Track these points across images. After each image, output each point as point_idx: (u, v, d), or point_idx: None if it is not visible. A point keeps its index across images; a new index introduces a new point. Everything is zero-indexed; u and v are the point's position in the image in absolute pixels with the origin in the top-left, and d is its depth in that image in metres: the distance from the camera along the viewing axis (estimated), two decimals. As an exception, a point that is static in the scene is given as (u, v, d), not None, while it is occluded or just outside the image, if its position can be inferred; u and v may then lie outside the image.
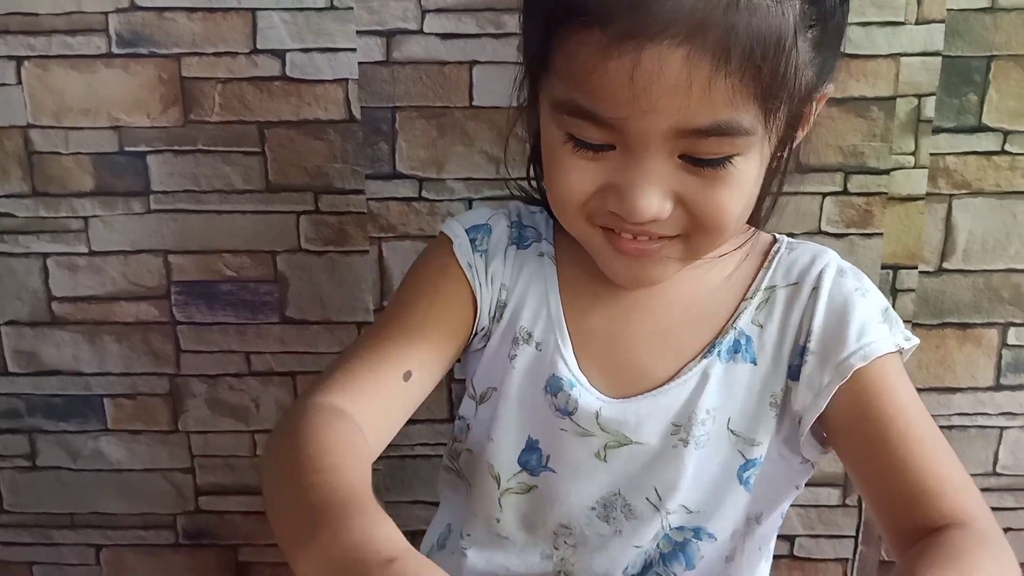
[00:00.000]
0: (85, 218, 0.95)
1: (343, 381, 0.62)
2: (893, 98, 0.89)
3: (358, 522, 0.47)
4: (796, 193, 0.91)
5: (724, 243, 0.62)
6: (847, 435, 0.63)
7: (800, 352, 0.65)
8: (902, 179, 0.91)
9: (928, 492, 0.58)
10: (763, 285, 0.67)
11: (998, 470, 1.01)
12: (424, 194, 0.94)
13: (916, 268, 0.94)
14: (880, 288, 0.94)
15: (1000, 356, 0.97)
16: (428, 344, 0.65)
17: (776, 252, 0.69)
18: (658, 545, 0.70)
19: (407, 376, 0.64)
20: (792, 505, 1.02)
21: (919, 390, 0.96)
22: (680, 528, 0.69)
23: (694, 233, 0.58)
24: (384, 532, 0.47)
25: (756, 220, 0.67)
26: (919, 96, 0.89)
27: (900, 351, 0.65)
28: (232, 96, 0.91)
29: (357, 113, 0.91)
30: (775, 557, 0.79)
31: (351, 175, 0.93)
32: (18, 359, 1.00)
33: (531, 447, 0.70)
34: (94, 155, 0.93)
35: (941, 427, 0.98)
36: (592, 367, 0.67)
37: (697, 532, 0.70)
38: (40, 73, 0.91)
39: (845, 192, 0.92)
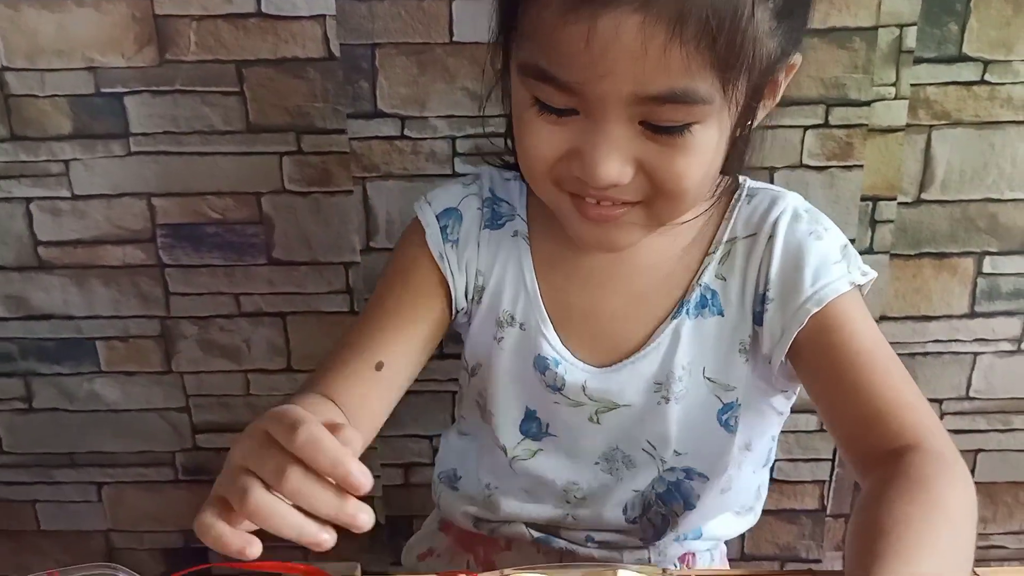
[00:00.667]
0: (66, 161, 0.94)
1: (320, 378, 0.65)
2: (875, 28, 0.88)
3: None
4: (778, 127, 0.92)
5: (687, 210, 0.62)
6: (808, 369, 0.66)
7: (761, 300, 0.67)
8: (883, 111, 0.91)
9: (881, 412, 0.60)
10: (724, 238, 0.68)
11: (971, 394, 1.05)
12: (407, 133, 0.93)
13: (895, 199, 0.96)
14: (859, 220, 0.96)
15: (975, 284, 0.99)
16: (399, 334, 0.68)
17: (736, 202, 0.69)
18: (654, 487, 0.74)
19: (379, 366, 0.66)
20: (771, 431, 1.06)
21: (895, 319, 1.00)
22: (672, 469, 0.73)
23: (655, 199, 0.59)
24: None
25: (729, 171, 0.67)
26: (900, 26, 0.88)
27: (858, 287, 0.66)
28: (207, 34, 0.90)
29: (336, 51, 0.90)
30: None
31: (332, 114, 0.93)
32: (8, 303, 1.01)
33: (530, 417, 0.73)
34: (70, 97, 0.92)
35: (916, 354, 1.02)
36: (574, 340, 0.70)
37: (688, 472, 0.73)
38: (11, 14, 0.89)
39: (826, 125, 0.92)
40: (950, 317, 1.01)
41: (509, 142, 0.67)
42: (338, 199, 0.96)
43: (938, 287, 0.99)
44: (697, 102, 0.53)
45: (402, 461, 1.08)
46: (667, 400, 0.69)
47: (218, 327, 1.01)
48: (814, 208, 0.69)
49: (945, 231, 0.97)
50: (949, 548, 0.52)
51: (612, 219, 0.60)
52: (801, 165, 0.94)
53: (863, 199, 0.95)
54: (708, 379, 0.69)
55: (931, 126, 0.92)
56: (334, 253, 0.98)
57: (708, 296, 0.68)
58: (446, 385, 1.01)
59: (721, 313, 0.68)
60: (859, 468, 0.61)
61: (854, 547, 0.52)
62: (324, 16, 0.89)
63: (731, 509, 0.77)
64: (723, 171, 0.62)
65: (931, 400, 1.04)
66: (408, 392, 1.03)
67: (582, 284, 0.69)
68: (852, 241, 0.96)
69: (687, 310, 0.68)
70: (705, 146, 0.56)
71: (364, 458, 0.46)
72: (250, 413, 1.05)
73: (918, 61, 0.90)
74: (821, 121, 0.92)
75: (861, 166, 0.94)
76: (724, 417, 0.70)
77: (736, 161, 0.63)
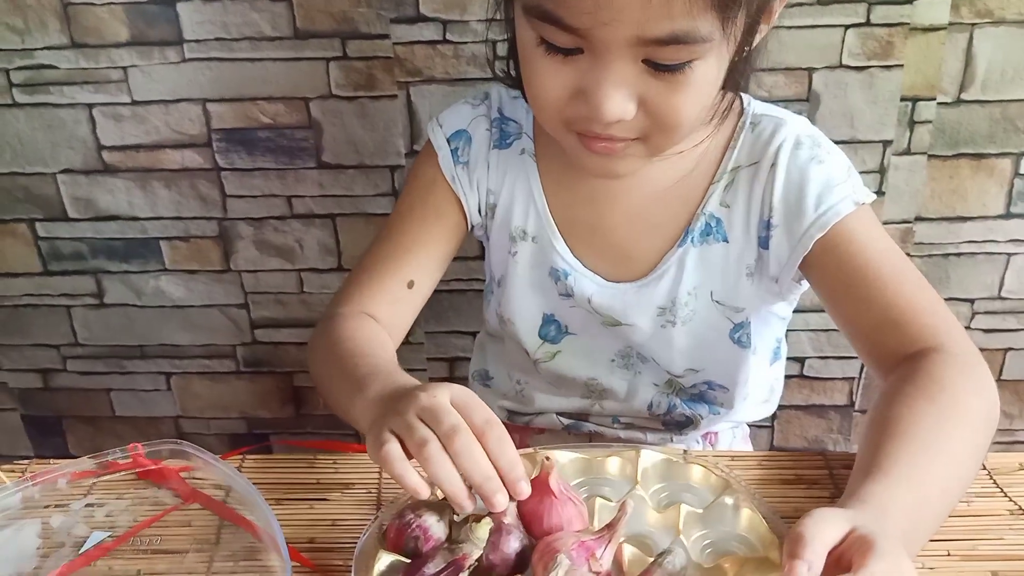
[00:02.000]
0: (124, 68, 0.99)
1: (358, 294, 0.74)
2: (921, -76, 0.87)
3: (395, 377, 0.60)
4: (817, 26, 0.92)
5: (682, 139, 0.64)
6: (820, 284, 0.68)
7: (766, 225, 0.69)
8: (925, 9, 0.91)
9: (896, 319, 0.62)
10: (728, 167, 0.70)
11: (1003, 294, 1.06)
12: (448, 37, 0.95)
13: (934, 99, 0.96)
14: (898, 121, 0.96)
15: (1012, 185, 0.99)
16: (424, 253, 0.75)
17: (741, 130, 0.70)
18: (678, 392, 0.78)
19: (411, 285, 0.74)
20: (803, 330, 1.09)
21: (931, 219, 1.01)
22: (694, 384, 0.77)
23: (653, 134, 0.61)
24: (415, 380, 0.59)
25: (730, 88, 0.68)
26: (947, -79, 0.87)
27: (863, 204, 0.67)
28: (255, -59, 0.92)
29: (380, -45, 0.92)
30: (786, 377, 0.86)
31: (376, 19, 0.95)
32: (77, 205, 1.07)
33: (548, 321, 0.77)
34: (126, 5, 0.95)
35: (950, 255, 1.04)
36: (582, 251, 0.73)
37: (710, 384, 0.77)
38: (67, -76, 0.92)
39: (868, 23, 0.92)
40: (985, 218, 1.01)
41: (513, 70, 0.70)
42: (383, 103, 0.99)
43: (975, 188, 1.00)
44: (698, 41, 0.55)
45: (447, 356, 1.15)
46: (673, 324, 0.73)
47: (272, 228, 1.07)
48: (817, 132, 0.70)
49: (984, 131, 0.97)
50: (960, 450, 0.54)
51: (615, 151, 0.62)
52: (840, 65, 0.94)
53: (902, 99, 0.96)
54: (717, 302, 0.72)
55: (973, 24, 0.91)
56: (380, 156, 1.02)
57: (712, 224, 0.70)
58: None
59: (726, 240, 0.71)
60: (880, 371, 0.63)
61: (868, 437, 0.55)
62: (367, -80, 0.90)
63: (749, 403, 0.81)
64: (724, 87, 0.63)
65: (963, 300, 1.07)
66: (453, 291, 1.09)
67: (588, 199, 0.72)
68: (889, 143, 0.98)
69: (692, 238, 0.71)
70: (704, 80, 0.58)
71: (412, 354, 0.53)
72: (304, 310, 1.12)
73: (964, -44, 0.88)
74: (862, 20, 0.92)
75: (901, 66, 0.94)
76: (737, 335, 0.74)
77: (738, 79, 0.65)
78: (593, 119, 0.59)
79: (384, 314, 0.73)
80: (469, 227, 0.77)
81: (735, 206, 0.70)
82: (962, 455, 0.54)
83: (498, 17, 0.67)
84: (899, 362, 0.61)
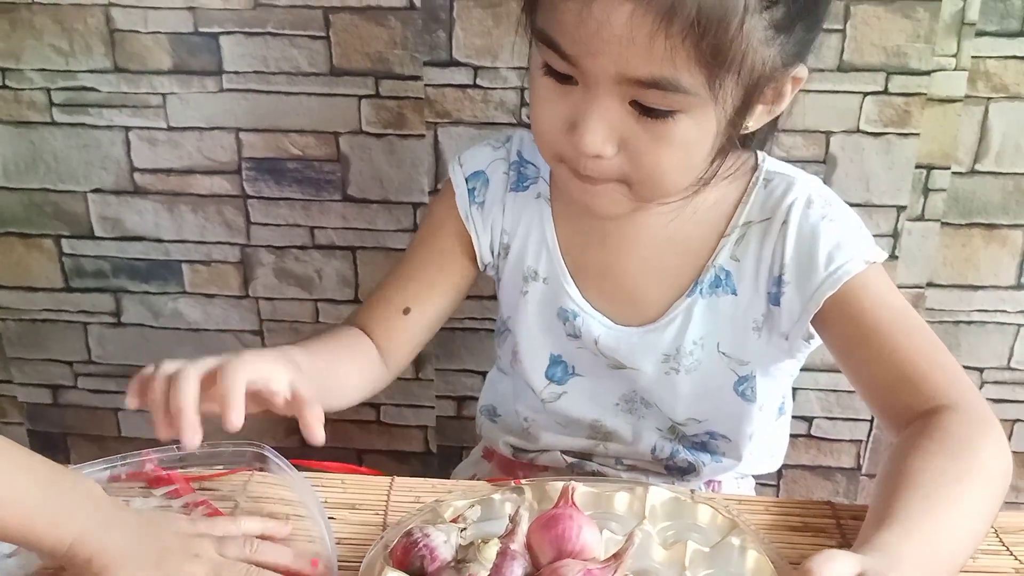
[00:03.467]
0: (163, 95, 1.02)
1: (361, 311, 0.78)
2: (939, -1, 0.91)
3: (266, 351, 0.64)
4: (837, 92, 0.95)
5: (667, 195, 0.65)
6: (833, 340, 0.68)
7: (777, 282, 0.70)
8: (942, 81, 0.94)
9: (911, 375, 0.62)
10: (740, 221, 0.71)
11: (1013, 365, 1.07)
12: (479, 82, 0.98)
13: (949, 168, 0.98)
14: (913, 187, 0.98)
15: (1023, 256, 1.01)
16: (426, 284, 0.78)
17: (754, 186, 0.71)
18: (679, 438, 0.79)
19: (406, 311, 0.77)
20: (812, 389, 1.10)
21: (942, 286, 1.03)
22: (696, 433, 0.78)
23: (634, 182, 0.62)
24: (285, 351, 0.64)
25: (749, 149, 0.71)
26: (964, -2, 0.90)
27: (875, 263, 0.68)
28: (299, -19, 0.96)
29: (417, 1, 0.95)
30: (793, 436, 0.86)
31: (410, 61, 0.98)
32: (104, 224, 1.09)
33: (555, 362, 0.79)
34: (171, 35, 0.99)
35: (960, 322, 1.05)
36: (592, 294, 0.75)
37: (712, 435, 0.78)
38: (122, -46, 0.96)
39: (886, 92, 0.95)
40: (997, 287, 1.03)
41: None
42: (410, 142, 1.02)
43: (987, 257, 1.01)
44: (680, 91, 0.56)
45: (455, 394, 1.15)
46: (676, 372, 0.74)
47: (293, 257, 1.09)
48: (829, 192, 0.71)
49: (997, 203, 0.99)
50: (975, 506, 0.54)
51: (597, 186, 0.64)
52: (858, 130, 0.97)
53: (917, 167, 0.98)
54: (723, 354, 0.73)
55: (989, 98, 0.94)
56: (404, 193, 1.04)
57: (722, 276, 0.72)
58: (502, 324, 1.07)
59: (735, 292, 0.72)
60: (893, 427, 0.63)
61: (882, 489, 0.55)
62: (408, -33, 0.94)
63: (753, 457, 0.81)
64: (744, 146, 0.65)
65: (972, 368, 1.07)
66: (466, 329, 1.10)
67: (599, 244, 0.74)
68: (903, 208, 1.00)
69: (701, 289, 0.72)
70: (689, 138, 0.59)
71: (422, 390, 0.54)
72: (318, 339, 1.13)
73: (980, 34, 0.92)
74: (881, 88, 0.95)
75: (917, 134, 0.96)
76: (741, 388, 0.75)
77: (763, 139, 0.67)
78: (577, 151, 0.61)
79: (377, 333, 0.76)
80: (481, 266, 0.79)
81: (745, 260, 0.71)
82: (976, 511, 0.54)
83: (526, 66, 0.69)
84: (913, 418, 0.61)
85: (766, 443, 0.81)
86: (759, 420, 0.77)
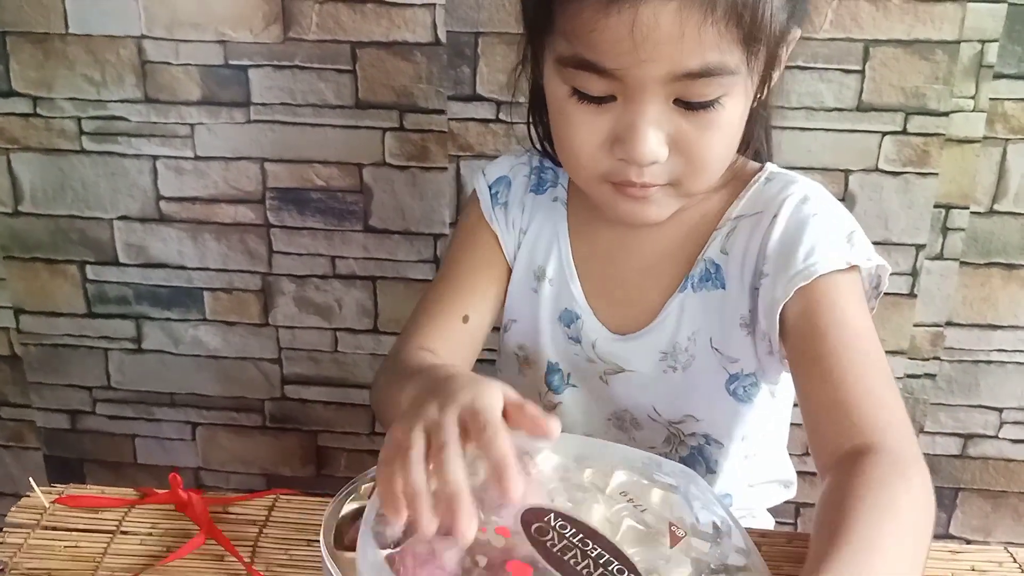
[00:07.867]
0: (192, 125, 1.04)
1: (416, 332, 0.75)
2: (958, 42, 0.92)
3: (448, 370, 0.58)
4: (856, 131, 0.96)
5: (712, 181, 0.66)
6: (792, 351, 0.67)
7: (759, 275, 0.69)
8: (960, 122, 0.95)
9: (847, 403, 0.60)
10: (732, 216, 0.71)
11: (1032, 406, 1.06)
12: (501, 116, 1.00)
13: (968, 208, 0.98)
14: (931, 227, 0.99)
15: (1043, 297, 1.01)
16: (477, 290, 0.78)
17: (753, 183, 0.72)
18: (676, 449, 0.79)
19: (465, 319, 0.76)
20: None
21: (961, 326, 1.03)
22: (693, 435, 0.78)
23: (685, 177, 0.63)
24: (454, 368, 0.59)
25: (759, 156, 0.72)
26: (983, 41, 0.91)
27: (855, 268, 0.66)
28: (328, 16, 0.98)
29: (443, 37, 0.98)
30: (812, 474, 0.86)
31: (435, 95, 1.00)
32: (128, 251, 1.11)
33: (552, 369, 0.79)
34: (201, 67, 1.01)
35: (980, 362, 1.04)
36: (595, 301, 0.76)
37: (707, 438, 0.78)
38: (156, -12, 0.99)
39: (904, 132, 0.96)
40: (1016, 327, 1.03)
41: (540, 133, 0.74)
42: (433, 174, 1.03)
43: (1005, 297, 1.01)
44: (727, 73, 0.59)
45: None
46: (674, 369, 0.74)
47: (314, 286, 1.10)
48: (830, 196, 0.71)
49: (1016, 242, 0.99)
50: (895, 551, 0.51)
51: (649, 194, 0.65)
52: (876, 169, 0.97)
53: (936, 206, 0.98)
54: (716, 350, 0.73)
55: (1007, 140, 0.95)
56: (425, 224, 1.06)
57: (712, 270, 0.72)
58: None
59: (723, 286, 0.71)
60: (818, 462, 0.61)
61: (813, 543, 0.53)
62: (434, 4, 0.96)
63: (758, 481, 0.80)
64: (743, 142, 0.66)
65: (991, 408, 1.07)
66: (483, 360, 1.10)
67: (605, 251, 0.75)
68: (922, 247, 1.00)
69: (691, 284, 0.72)
70: (732, 117, 0.62)
71: None
72: (336, 368, 1.13)
73: (998, 76, 0.93)
74: (899, 128, 0.96)
75: (936, 174, 0.97)
76: (732, 387, 0.74)
77: (753, 139, 0.68)
78: (630, 163, 0.62)
79: (442, 349, 0.74)
80: (511, 266, 0.79)
81: (733, 252, 0.71)
82: (897, 556, 0.51)
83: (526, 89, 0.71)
84: (837, 453, 0.58)
85: (765, 465, 0.81)
86: (752, 423, 0.76)
